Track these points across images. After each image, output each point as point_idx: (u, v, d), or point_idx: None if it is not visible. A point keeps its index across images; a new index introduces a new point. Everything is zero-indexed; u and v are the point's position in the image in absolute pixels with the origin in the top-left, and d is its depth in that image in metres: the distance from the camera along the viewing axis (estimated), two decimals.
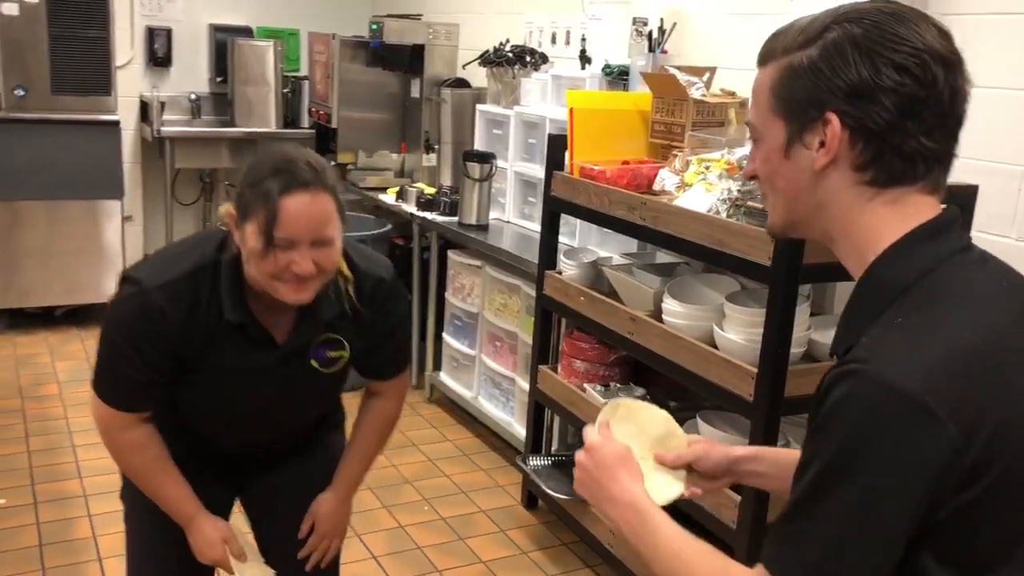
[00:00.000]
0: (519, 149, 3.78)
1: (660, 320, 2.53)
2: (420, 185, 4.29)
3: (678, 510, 2.39)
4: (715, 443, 1.34)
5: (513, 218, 3.88)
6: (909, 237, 0.98)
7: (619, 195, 2.66)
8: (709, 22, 3.22)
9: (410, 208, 4.09)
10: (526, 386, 3.33)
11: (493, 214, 3.87)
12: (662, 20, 3.27)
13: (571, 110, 2.90)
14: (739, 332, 2.27)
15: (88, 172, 4.64)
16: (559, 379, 3.02)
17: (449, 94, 4.26)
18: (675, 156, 2.71)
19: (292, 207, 1.46)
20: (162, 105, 5.04)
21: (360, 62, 4.69)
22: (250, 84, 5.21)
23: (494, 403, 3.76)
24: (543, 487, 2.94)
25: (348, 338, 1.70)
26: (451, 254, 3.94)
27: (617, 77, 3.39)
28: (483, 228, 3.74)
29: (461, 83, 4.42)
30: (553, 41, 4.05)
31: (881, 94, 0.95)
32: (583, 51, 3.73)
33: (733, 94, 2.89)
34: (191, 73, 5.45)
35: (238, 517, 1.92)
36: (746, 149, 2.51)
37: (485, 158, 3.72)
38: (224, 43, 5.32)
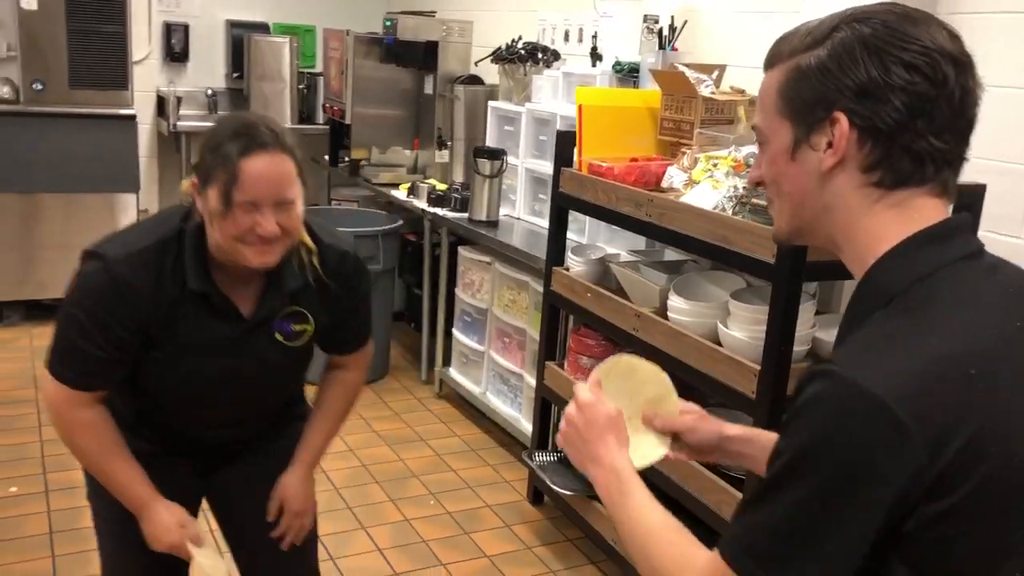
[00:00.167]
0: (530, 146, 3.79)
1: (665, 317, 2.53)
2: (432, 181, 4.31)
3: (681, 507, 2.38)
4: (708, 417, 1.34)
5: (523, 215, 3.89)
6: (909, 241, 0.97)
7: (626, 192, 2.66)
8: (720, 20, 3.22)
9: (421, 204, 4.11)
10: (534, 382, 3.33)
11: (503, 211, 3.88)
12: (673, 18, 3.26)
13: (580, 107, 2.91)
14: (743, 329, 2.27)
15: (104, 166, 4.69)
16: (566, 375, 3.03)
17: (462, 91, 4.27)
18: (684, 153, 2.71)
19: (253, 168, 1.48)
20: (179, 100, 5.08)
21: (374, 58, 4.71)
22: (266, 80, 5.24)
23: (502, 399, 3.77)
24: (548, 483, 2.95)
25: (312, 311, 1.70)
26: (461, 250, 3.95)
27: (627, 74, 3.40)
28: (493, 224, 3.75)
29: (474, 80, 4.44)
30: (566, 39, 4.06)
31: (891, 93, 0.94)
32: (594, 48, 3.73)
33: (743, 92, 2.89)
34: (208, 68, 5.49)
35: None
36: (753, 147, 2.51)
37: (495, 154, 3.73)
38: (241, 39, 5.35)
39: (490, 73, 4.34)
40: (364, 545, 2.94)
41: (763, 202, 2.21)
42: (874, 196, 0.98)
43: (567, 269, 3.04)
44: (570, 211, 3.09)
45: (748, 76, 2.95)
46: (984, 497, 0.88)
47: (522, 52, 3.97)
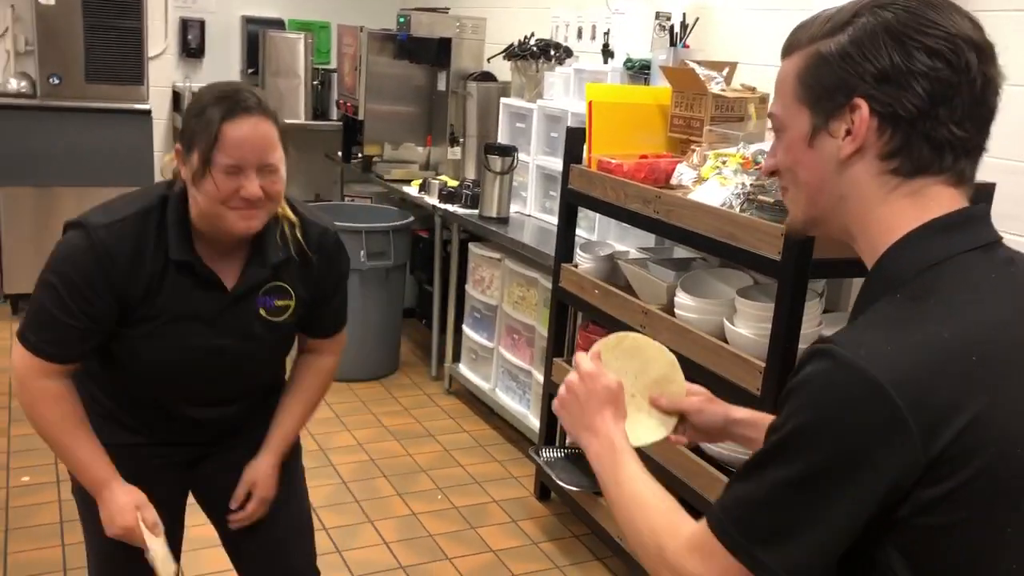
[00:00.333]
0: (541, 143, 3.80)
1: (673, 314, 2.53)
2: (443, 178, 4.32)
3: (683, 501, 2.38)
4: (714, 399, 1.34)
5: (534, 212, 3.89)
6: (921, 230, 0.96)
7: (634, 188, 2.66)
8: (732, 17, 3.21)
9: (432, 200, 4.12)
10: (542, 379, 3.34)
11: (514, 207, 3.89)
12: (685, 15, 3.26)
13: (590, 103, 2.91)
14: (748, 326, 2.27)
15: (119, 160, 4.72)
16: None
17: (475, 88, 4.28)
18: (693, 150, 2.71)
19: (236, 131, 1.49)
20: (194, 95, 5.11)
21: (388, 55, 4.72)
22: (281, 76, 5.27)
23: (511, 395, 3.78)
24: (555, 479, 2.95)
25: (294, 286, 1.71)
26: (472, 246, 3.96)
27: (638, 71, 3.39)
28: (503, 221, 3.76)
29: (487, 77, 4.44)
30: (579, 36, 4.06)
31: (912, 79, 0.93)
32: (606, 45, 3.73)
33: (753, 89, 2.88)
34: (223, 64, 5.52)
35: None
36: (762, 144, 2.51)
37: (506, 151, 3.74)
38: (256, 35, 5.38)
39: (503, 70, 4.35)
40: (371, 538, 2.96)
41: (769, 199, 2.21)
42: (891, 184, 0.97)
43: (576, 266, 3.04)
44: (581, 208, 3.10)
45: (759, 73, 2.94)
46: (981, 486, 0.88)
47: (534, 49, 3.97)
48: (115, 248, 1.54)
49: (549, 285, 3.25)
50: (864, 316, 0.96)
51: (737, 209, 2.31)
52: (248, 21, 5.52)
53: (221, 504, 1.82)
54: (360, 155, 4.86)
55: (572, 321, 3.24)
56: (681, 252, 3.00)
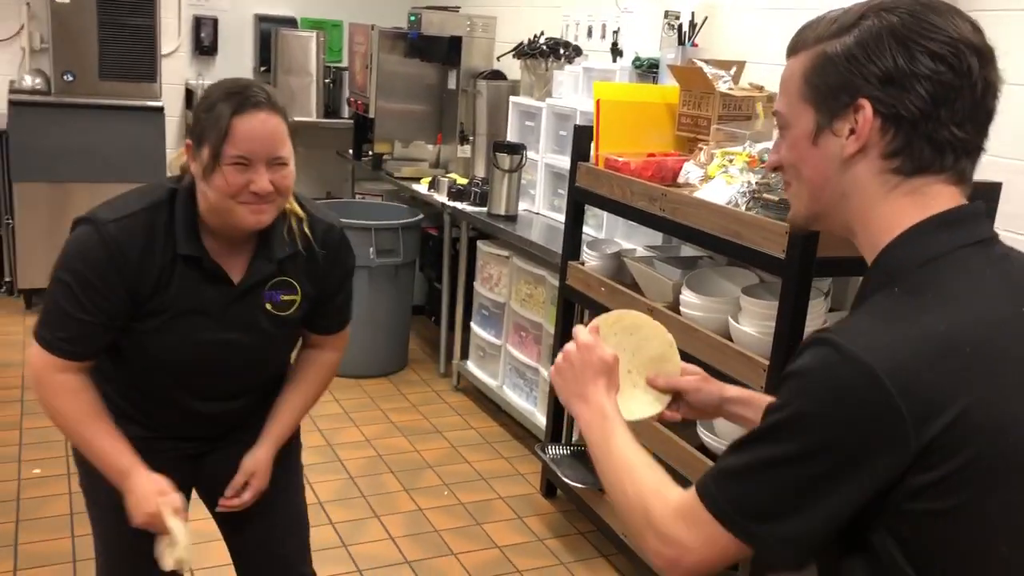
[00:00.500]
0: (550, 141, 3.81)
1: (678, 312, 2.54)
2: (453, 175, 4.34)
3: None
4: (709, 378, 1.37)
5: (543, 210, 3.91)
6: (920, 226, 0.99)
7: (640, 186, 2.67)
8: (740, 16, 3.21)
9: (442, 198, 4.14)
10: (549, 376, 3.35)
11: (523, 205, 3.90)
12: (693, 14, 3.27)
13: (598, 102, 2.92)
14: (753, 324, 2.28)
15: (132, 157, 4.76)
16: None
17: (484, 86, 4.29)
18: (700, 149, 2.72)
19: (246, 126, 1.50)
20: (204, 92, 5.14)
21: (399, 53, 4.74)
22: (293, 74, 5.30)
23: (518, 393, 3.79)
24: (561, 476, 2.96)
25: (299, 281, 1.72)
26: (480, 244, 3.98)
27: (647, 70, 3.40)
28: (512, 219, 3.77)
29: (497, 75, 4.46)
30: (589, 35, 4.07)
31: (915, 82, 0.95)
32: (615, 44, 3.74)
33: (761, 88, 2.88)
34: (236, 62, 5.56)
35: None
36: (769, 143, 2.51)
37: (514, 149, 3.75)
38: (269, 33, 5.42)
39: (512, 68, 4.36)
40: (377, 533, 2.98)
41: (774, 197, 2.21)
42: (892, 183, 1.00)
43: (583, 264, 3.05)
44: (589, 207, 3.11)
45: (768, 72, 2.95)
46: (972, 474, 0.90)
47: (544, 48, 3.99)
48: (126, 243, 1.56)
49: (557, 283, 3.27)
50: (862, 308, 0.99)
51: (743, 207, 2.31)
52: (261, 19, 5.55)
53: (229, 513, 1.82)
54: (371, 153, 4.88)
55: (579, 319, 3.24)
56: (688, 250, 3.00)
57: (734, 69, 2.87)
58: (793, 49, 1.05)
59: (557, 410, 3.24)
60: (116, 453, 1.63)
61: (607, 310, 2.80)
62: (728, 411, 1.36)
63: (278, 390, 1.88)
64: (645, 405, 1.32)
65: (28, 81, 4.73)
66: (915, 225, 0.99)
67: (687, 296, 2.50)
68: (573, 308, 3.17)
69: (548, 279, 3.50)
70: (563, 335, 3.18)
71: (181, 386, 1.73)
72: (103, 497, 1.74)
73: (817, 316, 2.26)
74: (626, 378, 1.29)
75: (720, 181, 2.46)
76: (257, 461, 1.79)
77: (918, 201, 0.99)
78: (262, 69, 5.55)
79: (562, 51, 3.96)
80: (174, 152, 5.43)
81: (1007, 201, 2.31)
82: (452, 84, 4.69)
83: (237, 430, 1.84)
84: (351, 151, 5.21)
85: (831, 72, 0.99)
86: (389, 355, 4.34)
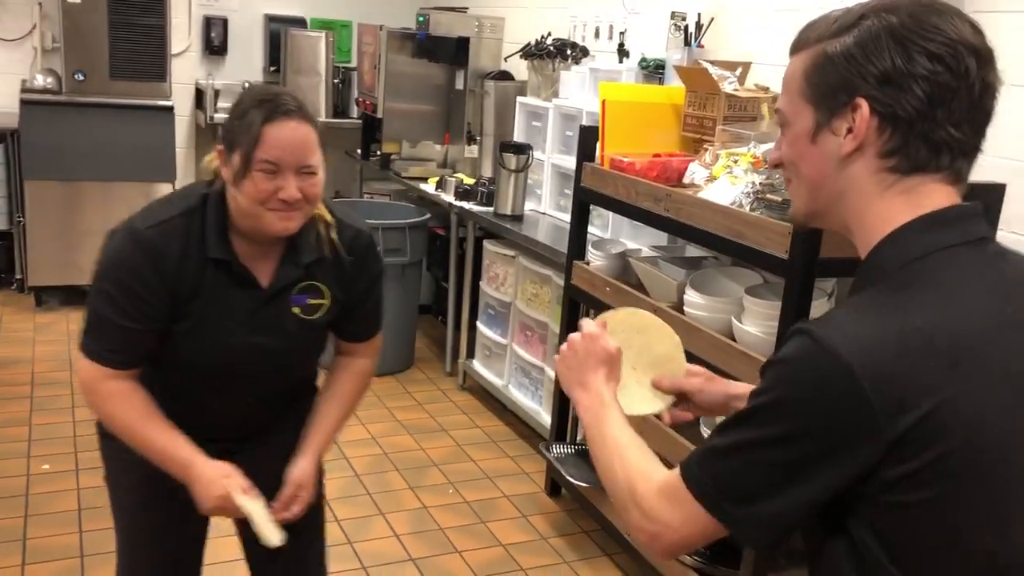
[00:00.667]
0: (557, 141, 3.82)
1: (682, 312, 2.55)
2: (460, 175, 4.35)
3: None
4: (715, 377, 1.38)
5: (549, 209, 3.92)
6: (911, 224, 1.00)
7: (645, 187, 2.68)
8: (746, 17, 3.22)
9: (448, 198, 4.15)
10: (554, 375, 3.36)
11: (529, 205, 3.91)
12: (700, 15, 3.27)
13: (603, 102, 2.93)
14: (756, 325, 2.29)
15: (142, 155, 4.80)
16: None
17: (492, 86, 4.31)
18: (706, 150, 2.73)
19: (276, 133, 1.52)
20: (216, 93, 5.17)
21: (407, 54, 4.76)
22: (302, 74, 5.33)
23: (523, 392, 3.81)
24: (565, 475, 2.97)
25: (328, 286, 1.73)
26: (486, 244, 3.99)
27: (653, 71, 3.41)
28: (518, 219, 3.79)
29: (505, 76, 4.47)
30: (596, 35, 4.08)
31: (913, 82, 0.96)
32: (621, 45, 3.75)
33: (766, 89, 2.89)
34: (245, 62, 5.59)
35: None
36: (773, 144, 2.52)
37: (521, 149, 3.76)
38: (278, 33, 5.45)
39: (520, 69, 4.38)
40: (382, 530, 2.99)
41: (778, 198, 2.22)
42: (888, 181, 1.01)
43: (588, 263, 3.06)
44: (595, 207, 3.12)
45: (773, 73, 2.95)
46: (944, 468, 0.91)
47: (551, 48, 4.00)
48: (164, 247, 1.58)
49: (562, 282, 3.28)
50: (846, 302, 1.01)
51: (747, 208, 2.32)
52: (270, 19, 5.59)
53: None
54: (379, 152, 4.90)
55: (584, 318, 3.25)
56: (693, 250, 3.01)
57: (739, 70, 2.88)
58: (795, 47, 1.07)
59: (562, 409, 3.25)
60: (174, 447, 1.64)
61: (612, 310, 2.83)
62: (736, 407, 1.37)
63: (305, 395, 1.90)
64: (647, 401, 1.34)
65: (40, 80, 4.78)
66: (906, 223, 1.00)
67: (691, 296, 2.51)
68: (578, 308, 3.18)
69: (554, 279, 3.51)
70: (568, 335, 3.18)
71: (209, 389, 1.74)
72: (126, 493, 1.77)
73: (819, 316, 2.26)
74: (631, 375, 1.31)
75: (724, 182, 2.47)
76: (304, 473, 1.78)
77: (912, 200, 1.00)
78: (271, 69, 5.58)
79: (569, 52, 3.97)
80: (184, 151, 5.50)
81: (1012, 203, 2.31)
82: (460, 84, 4.71)
83: (264, 432, 1.84)
84: (359, 151, 5.23)
85: (830, 71, 1.00)
86: (396, 354, 4.36)
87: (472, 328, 4.15)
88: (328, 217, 1.72)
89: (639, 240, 3.27)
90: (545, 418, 3.57)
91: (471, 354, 4.19)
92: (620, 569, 2.90)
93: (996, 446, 0.93)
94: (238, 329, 1.67)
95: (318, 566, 1.98)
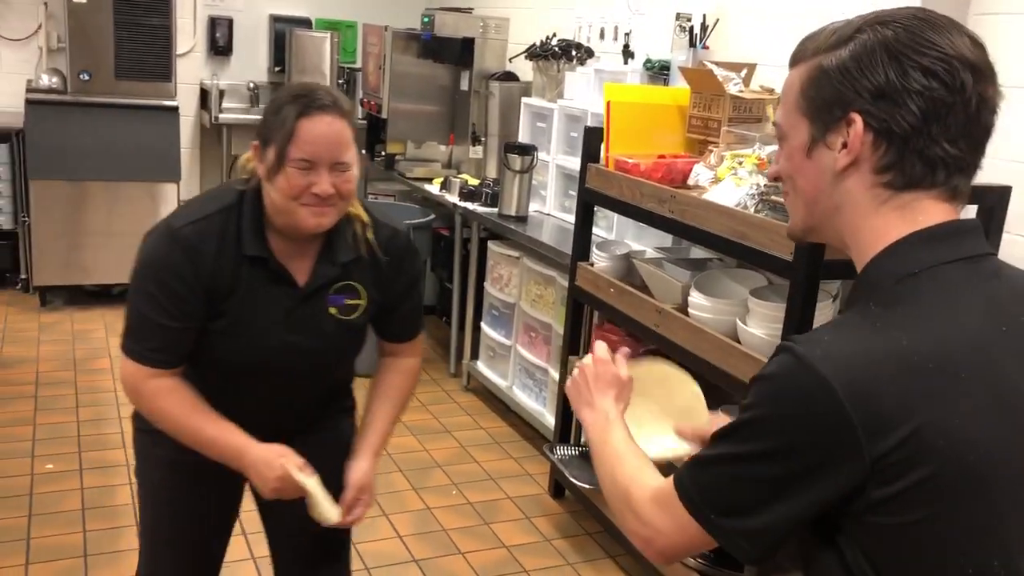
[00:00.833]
0: (561, 142, 3.82)
1: (687, 314, 2.54)
2: (464, 176, 4.35)
3: None
4: None
5: (553, 211, 3.91)
6: (904, 240, 0.99)
7: (650, 188, 2.68)
8: (751, 19, 3.21)
9: (453, 198, 4.15)
10: (558, 377, 3.36)
11: (534, 206, 3.91)
12: (705, 16, 3.27)
13: (608, 103, 2.93)
14: (761, 327, 2.28)
15: (147, 155, 4.80)
16: None
17: (497, 87, 4.31)
18: (710, 151, 2.72)
19: (310, 128, 1.52)
20: (221, 93, 5.19)
21: (412, 54, 4.76)
22: (307, 74, 5.32)
23: (527, 393, 3.80)
24: (569, 476, 2.97)
25: (365, 286, 1.72)
26: (490, 245, 3.99)
27: (658, 72, 3.41)
28: (522, 220, 3.78)
29: (510, 77, 4.47)
30: (601, 36, 4.07)
31: (907, 97, 0.95)
32: (626, 46, 3.75)
33: (772, 91, 2.88)
34: (250, 62, 5.60)
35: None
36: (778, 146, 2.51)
37: (526, 150, 3.76)
38: (283, 33, 5.45)
39: (525, 70, 4.37)
40: (385, 531, 2.99)
41: (782, 200, 2.21)
42: (883, 197, 1.00)
43: (592, 265, 3.06)
44: (599, 208, 3.11)
45: (778, 75, 2.94)
46: (931, 489, 0.90)
47: (556, 49, 3.99)
48: (200, 244, 1.58)
49: (566, 284, 3.27)
50: (835, 319, 1.01)
51: (751, 209, 2.32)
52: (276, 20, 5.59)
53: (276, 502, 1.77)
54: (383, 153, 4.90)
55: (588, 320, 3.25)
56: (698, 252, 3.01)
57: (744, 71, 2.88)
58: (794, 60, 1.06)
59: (566, 411, 3.25)
60: (226, 436, 1.63)
61: (616, 311, 2.84)
62: None
63: (343, 394, 1.91)
64: (666, 448, 1.35)
65: (45, 80, 4.78)
66: (899, 240, 0.99)
67: (696, 298, 2.50)
68: (582, 309, 3.18)
69: (558, 280, 3.51)
70: (572, 336, 3.19)
71: (245, 388, 1.73)
72: (155, 488, 1.79)
73: (825, 319, 2.26)
74: (653, 422, 1.33)
75: (729, 183, 2.46)
76: (365, 475, 1.77)
77: (907, 216, 0.99)
78: (276, 69, 5.58)
79: (574, 53, 3.97)
80: (188, 151, 5.52)
81: (1018, 204, 2.30)
82: (464, 85, 4.71)
83: (300, 432, 1.82)
84: (364, 151, 5.23)
85: (825, 85, 1.00)
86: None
87: (476, 329, 4.15)
88: (364, 217, 1.71)
89: (643, 242, 3.27)
90: (549, 420, 3.57)
91: (475, 355, 4.19)
92: (623, 571, 2.90)
93: (983, 467, 0.91)
94: (274, 328, 1.66)
95: (338, 559, 1.98)
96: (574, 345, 3.20)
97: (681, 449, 1.35)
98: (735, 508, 0.97)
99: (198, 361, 1.68)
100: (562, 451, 3.13)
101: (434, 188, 4.40)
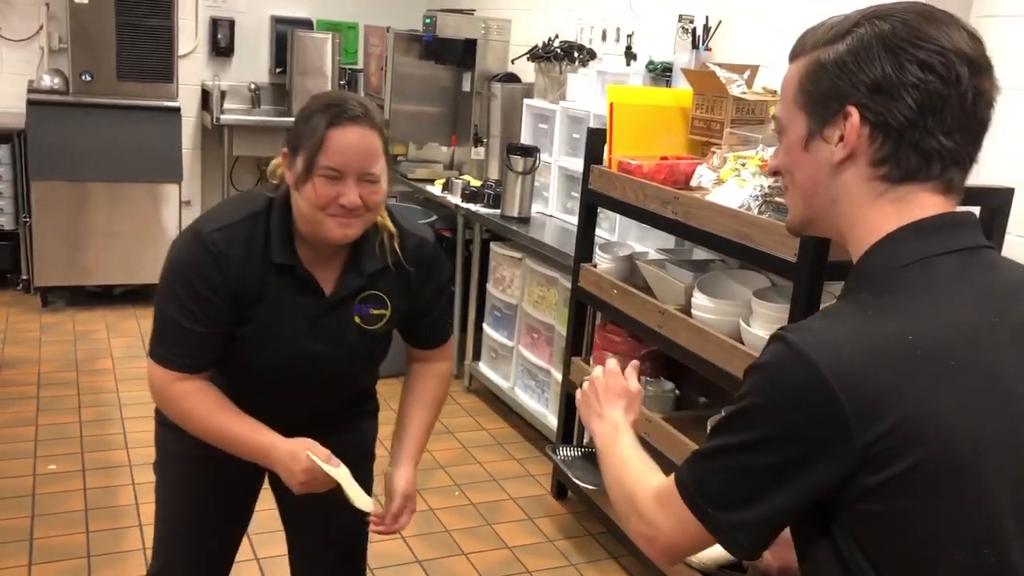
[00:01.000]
0: (564, 144, 3.82)
1: (690, 315, 2.55)
2: (466, 177, 4.36)
3: None
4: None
5: (556, 212, 3.92)
6: (899, 232, 1.00)
7: (653, 189, 2.68)
8: (754, 20, 3.22)
9: (455, 200, 4.16)
10: (561, 378, 3.36)
11: (536, 207, 3.92)
12: (707, 18, 3.27)
13: (611, 105, 2.93)
14: (764, 327, 2.28)
15: (149, 156, 4.81)
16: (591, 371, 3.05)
17: (499, 89, 4.31)
18: (713, 153, 2.73)
19: (340, 138, 1.52)
20: (223, 94, 5.19)
21: (414, 55, 4.76)
22: (308, 75, 5.33)
23: (529, 394, 3.81)
24: (571, 477, 2.96)
25: (390, 296, 1.73)
26: (493, 246, 3.99)
27: (660, 74, 3.41)
28: (525, 221, 3.79)
29: (511, 78, 4.48)
30: (603, 38, 4.08)
31: (903, 90, 0.96)
32: (629, 47, 3.75)
33: (774, 92, 2.89)
34: (252, 63, 5.60)
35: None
36: None
37: (528, 151, 3.77)
38: (284, 34, 5.45)
39: (527, 71, 4.38)
40: None
41: (783, 197, 2.22)
42: (879, 190, 1.01)
43: (595, 266, 3.06)
44: (602, 209, 3.12)
45: (780, 76, 2.94)
46: (920, 477, 0.91)
47: (558, 51, 4.00)
48: (229, 250, 1.58)
49: (569, 285, 3.28)
50: (827, 308, 1.02)
51: (755, 211, 2.32)
52: (277, 21, 5.59)
53: (295, 500, 1.76)
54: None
55: (591, 321, 3.26)
56: (700, 253, 3.01)
57: (747, 73, 2.88)
58: (793, 55, 1.07)
59: (568, 412, 3.25)
60: (252, 434, 1.63)
61: (619, 313, 2.85)
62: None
63: (366, 399, 1.92)
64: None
65: (47, 81, 4.78)
66: (893, 231, 1.00)
67: (699, 299, 2.50)
68: (585, 310, 3.19)
69: (560, 281, 3.51)
70: (575, 337, 3.19)
71: (268, 392, 1.73)
72: (172, 482, 1.81)
73: None
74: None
75: (732, 184, 2.47)
76: (409, 483, 1.77)
77: (902, 208, 1.00)
78: (278, 71, 5.58)
79: (576, 54, 3.97)
80: (190, 152, 5.52)
81: (1020, 205, 2.30)
82: (466, 86, 4.71)
83: (322, 434, 1.79)
84: None
85: (823, 79, 1.01)
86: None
87: (478, 330, 4.15)
88: (391, 227, 1.71)
89: (645, 243, 3.28)
90: (551, 420, 3.57)
91: (477, 356, 4.19)
92: (626, 572, 2.90)
93: (972, 455, 0.92)
94: (300, 336, 1.67)
95: (354, 557, 2.00)
96: (577, 346, 3.20)
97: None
98: (732, 501, 0.99)
99: (223, 366, 1.69)
100: (564, 452, 3.13)
101: (436, 189, 4.40)
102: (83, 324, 4.64)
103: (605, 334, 3.05)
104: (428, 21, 4.56)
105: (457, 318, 4.28)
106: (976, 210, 2.26)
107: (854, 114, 0.98)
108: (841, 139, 1.00)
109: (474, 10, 4.90)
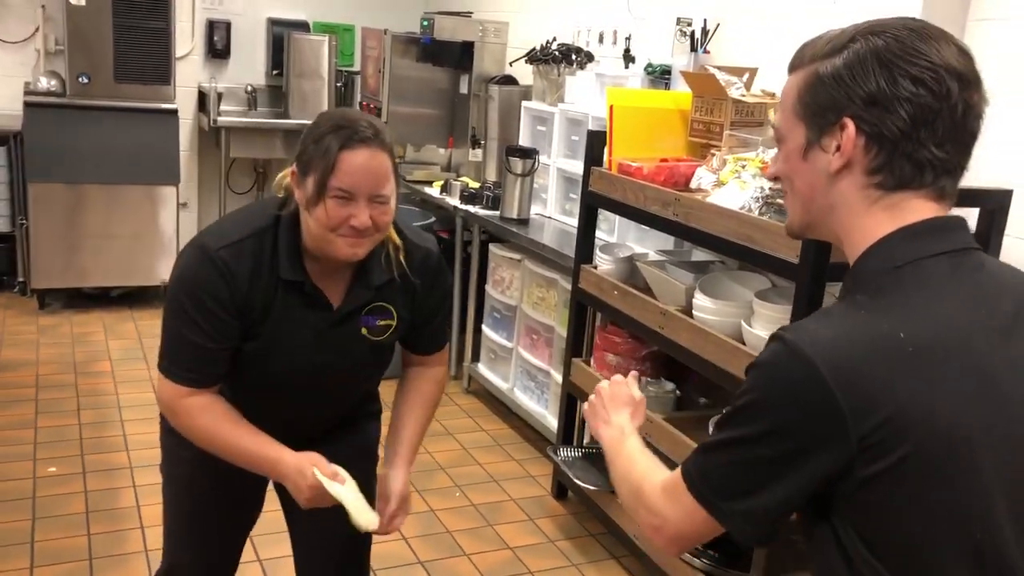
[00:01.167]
0: (562, 146, 3.84)
1: (691, 316, 2.56)
2: (464, 179, 4.37)
3: None
4: None
5: (554, 214, 3.93)
6: (893, 235, 1.05)
7: (654, 191, 2.70)
8: (752, 23, 3.24)
9: (454, 201, 4.17)
10: (560, 379, 3.37)
11: (535, 209, 3.93)
12: (705, 20, 3.29)
13: (611, 107, 2.94)
14: (766, 329, 2.30)
15: (146, 158, 4.80)
16: (592, 372, 3.06)
17: (496, 91, 4.32)
18: (713, 155, 2.74)
19: (352, 161, 1.52)
20: (219, 96, 5.18)
21: (411, 58, 4.77)
22: (305, 77, 5.34)
23: (529, 395, 3.82)
24: (572, 478, 2.98)
25: (396, 307, 1.74)
26: (492, 247, 4.00)
27: (659, 76, 3.43)
28: (524, 222, 3.80)
29: (509, 80, 4.49)
30: (601, 40, 4.09)
31: (897, 103, 1.01)
32: (627, 50, 3.77)
33: (773, 95, 2.91)
34: (248, 65, 5.60)
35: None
36: None
37: (527, 153, 3.78)
38: (281, 36, 5.46)
39: (525, 74, 4.39)
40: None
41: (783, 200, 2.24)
42: (873, 197, 1.06)
43: (595, 267, 3.08)
44: (601, 211, 3.13)
45: (779, 79, 2.96)
46: (912, 468, 0.96)
47: (556, 53, 4.01)
48: (236, 266, 1.59)
49: (568, 286, 3.29)
50: (824, 309, 1.08)
51: (756, 212, 2.34)
52: (273, 23, 5.59)
53: (295, 501, 1.76)
54: None
55: (591, 322, 3.27)
56: (701, 255, 3.03)
57: (746, 76, 2.90)
58: (792, 66, 1.12)
59: (568, 412, 3.26)
60: (260, 448, 1.64)
61: (619, 314, 2.86)
62: None
63: (367, 403, 1.94)
64: None
65: (43, 83, 4.78)
66: (887, 235, 1.05)
67: (700, 300, 2.52)
68: (585, 311, 3.20)
69: (560, 282, 3.52)
70: (575, 338, 3.20)
71: (273, 401, 1.74)
72: (178, 485, 1.83)
73: None
74: None
75: (733, 186, 2.49)
76: (405, 485, 1.77)
77: (895, 214, 1.05)
78: (274, 73, 5.59)
79: (574, 57, 3.99)
80: (187, 154, 5.50)
81: (1020, 208, 2.32)
82: (464, 89, 4.72)
83: (320, 444, 1.80)
84: None
85: (821, 91, 1.06)
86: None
87: (477, 331, 4.16)
88: (397, 240, 1.72)
89: (645, 244, 3.29)
90: (551, 421, 3.58)
91: (476, 357, 4.20)
92: (627, 572, 2.91)
93: (964, 445, 0.97)
94: (307, 349, 1.68)
95: (359, 563, 2.00)
96: (577, 347, 3.21)
97: None
98: (737, 491, 1.03)
99: (229, 378, 1.70)
100: (565, 452, 3.15)
101: (434, 191, 4.41)
102: (81, 326, 4.63)
103: (605, 335, 3.06)
104: (425, 23, 4.56)
105: (456, 319, 4.29)
106: (975, 211, 2.29)
107: (850, 125, 1.04)
108: (838, 149, 1.05)
109: (471, 12, 4.91)
